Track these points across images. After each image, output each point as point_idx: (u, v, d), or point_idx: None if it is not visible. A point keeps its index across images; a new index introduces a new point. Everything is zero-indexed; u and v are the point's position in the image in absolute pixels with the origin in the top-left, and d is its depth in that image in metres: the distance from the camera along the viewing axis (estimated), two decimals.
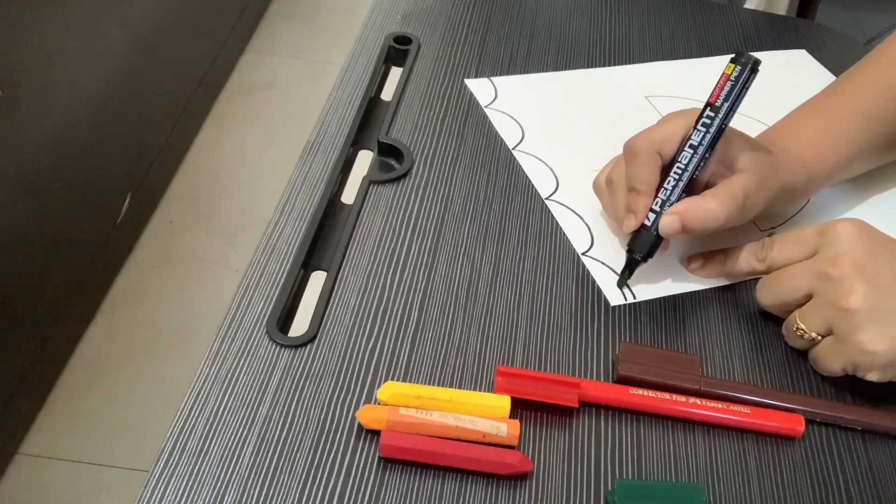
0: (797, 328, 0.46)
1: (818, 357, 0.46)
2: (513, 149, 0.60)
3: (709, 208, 0.48)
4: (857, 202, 0.59)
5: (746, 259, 0.51)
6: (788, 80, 0.71)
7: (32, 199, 1.14)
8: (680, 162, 0.49)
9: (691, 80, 0.70)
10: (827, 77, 0.71)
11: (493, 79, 0.67)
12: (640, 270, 0.51)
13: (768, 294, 0.49)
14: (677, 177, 0.49)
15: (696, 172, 0.49)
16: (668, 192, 0.49)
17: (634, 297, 0.51)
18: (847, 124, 0.55)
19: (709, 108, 0.49)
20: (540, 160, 0.60)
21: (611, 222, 0.55)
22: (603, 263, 0.53)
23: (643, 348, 0.47)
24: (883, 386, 0.46)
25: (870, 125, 0.55)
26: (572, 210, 0.56)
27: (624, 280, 0.51)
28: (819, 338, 0.46)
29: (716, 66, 0.52)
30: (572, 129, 0.63)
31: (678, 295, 0.51)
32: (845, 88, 0.57)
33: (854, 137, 0.54)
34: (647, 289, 0.51)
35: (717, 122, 0.48)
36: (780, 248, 0.49)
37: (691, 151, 0.49)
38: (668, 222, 0.49)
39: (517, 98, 0.65)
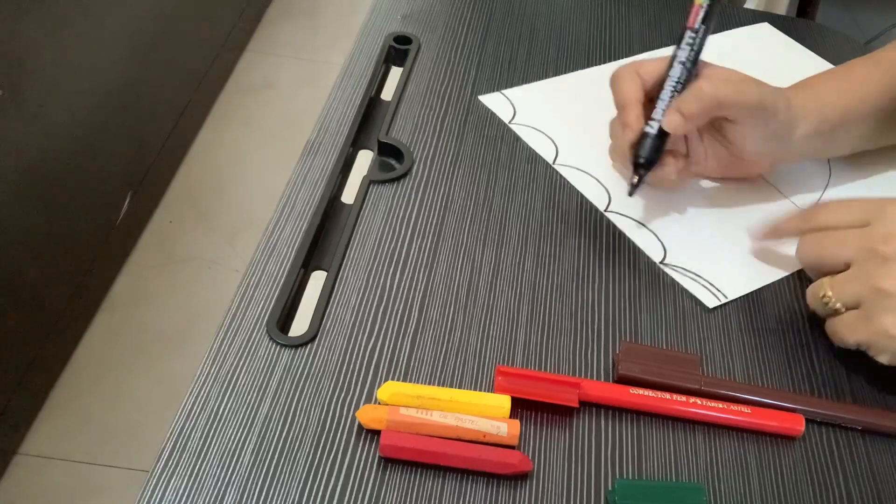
0: (824, 295, 0.46)
1: (837, 327, 0.46)
2: (552, 164, 0.59)
3: (698, 86, 0.51)
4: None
5: (795, 221, 0.51)
6: (754, 52, 0.72)
7: (32, 199, 1.14)
8: (671, 77, 0.53)
9: None
10: (792, 45, 0.73)
11: (505, 92, 0.66)
12: (722, 270, 0.52)
13: (810, 252, 0.48)
14: (672, 88, 0.53)
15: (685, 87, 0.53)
16: (665, 103, 0.52)
17: (726, 298, 0.51)
18: (862, 70, 0.57)
19: (689, 31, 0.53)
20: (581, 170, 0.59)
21: None
22: None
23: (643, 348, 0.47)
24: (883, 386, 0.46)
25: (887, 71, 0.56)
26: None
27: (635, 188, 0.53)
28: (844, 310, 0.45)
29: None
30: (594, 128, 0.62)
31: (678, 295, 0.51)
32: (862, 59, 0.59)
33: (868, 79, 0.56)
34: (734, 287, 0.52)
35: (698, 40, 0.53)
36: (832, 210, 0.48)
37: (681, 66, 0.53)
38: (670, 115, 0.51)
39: (536, 108, 0.64)
